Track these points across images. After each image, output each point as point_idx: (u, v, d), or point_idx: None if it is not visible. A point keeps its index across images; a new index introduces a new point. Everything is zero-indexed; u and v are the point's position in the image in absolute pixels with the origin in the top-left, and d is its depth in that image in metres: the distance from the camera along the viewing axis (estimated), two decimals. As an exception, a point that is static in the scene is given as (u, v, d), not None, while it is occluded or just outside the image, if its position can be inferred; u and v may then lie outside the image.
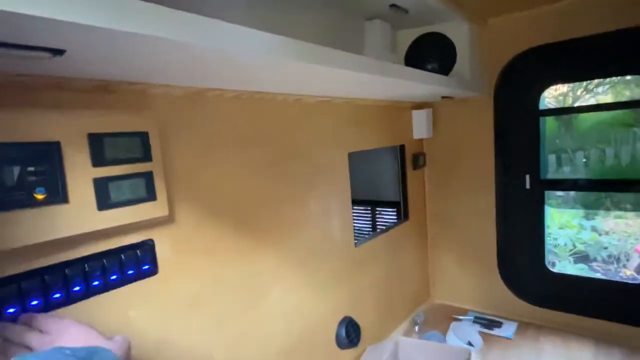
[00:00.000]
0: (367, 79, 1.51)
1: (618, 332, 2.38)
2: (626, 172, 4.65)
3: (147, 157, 1.18)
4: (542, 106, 2.61)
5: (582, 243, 6.07)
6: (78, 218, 1.02)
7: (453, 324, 2.66)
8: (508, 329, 2.65)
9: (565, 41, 2.36)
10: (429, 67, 2.50)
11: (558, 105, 5.03)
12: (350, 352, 2.23)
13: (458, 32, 2.39)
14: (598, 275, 5.45)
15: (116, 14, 0.65)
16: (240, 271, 1.59)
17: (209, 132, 1.45)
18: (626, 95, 4.45)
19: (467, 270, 2.97)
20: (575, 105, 5.09)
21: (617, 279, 5.17)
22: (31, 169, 0.94)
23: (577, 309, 2.55)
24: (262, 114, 1.67)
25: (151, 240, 1.26)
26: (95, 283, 1.11)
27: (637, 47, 2.19)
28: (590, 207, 6.14)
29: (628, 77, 3.57)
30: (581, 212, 6.33)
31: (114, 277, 1.15)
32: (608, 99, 4.84)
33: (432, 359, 2.16)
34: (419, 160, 2.94)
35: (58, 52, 0.82)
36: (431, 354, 2.17)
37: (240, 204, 1.58)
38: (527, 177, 2.65)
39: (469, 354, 2.08)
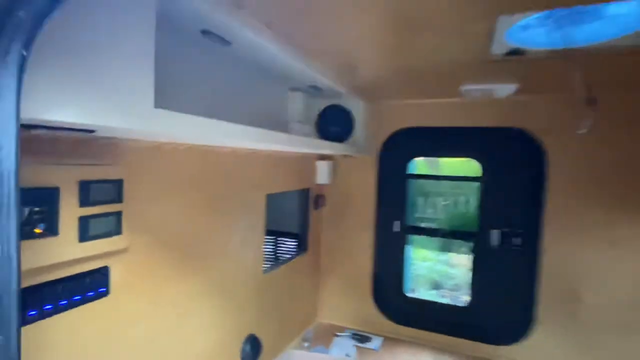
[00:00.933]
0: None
1: (454, 343, 3.26)
2: (470, 219, 6.10)
3: (119, 199, 1.47)
4: (410, 171, 3.49)
5: (436, 274, 7.46)
6: (63, 248, 1.28)
7: (335, 340, 3.25)
8: (376, 343, 3.34)
9: (425, 127, 3.29)
10: (333, 129, 3.17)
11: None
12: (251, 365, 2.60)
13: (357, 107, 3.14)
14: (443, 300, 6.76)
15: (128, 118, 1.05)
16: (175, 293, 1.89)
17: (163, 177, 1.77)
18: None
19: (348, 295, 3.63)
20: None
21: (457, 303, 6.54)
22: (37, 209, 1.19)
23: (426, 326, 3.39)
24: (204, 163, 2.04)
25: (107, 267, 1.52)
26: (63, 302, 1.34)
27: (469, 139, 3.20)
28: (443, 249, 7.64)
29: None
30: (439, 248, 7.85)
31: (77, 297, 1.39)
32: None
33: (318, 367, 2.67)
34: (319, 202, 3.55)
35: (90, 131, 1.14)
36: (317, 363, 2.68)
37: (181, 237, 1.90)
38: (397, 222, 3.47)
39: (346, 361, 2.65)
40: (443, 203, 7.68)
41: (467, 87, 2.60)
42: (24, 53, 0.63)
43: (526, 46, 1.89)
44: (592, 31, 1.78)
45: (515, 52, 1.93)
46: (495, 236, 3.12)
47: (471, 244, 3.33)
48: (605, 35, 1.78)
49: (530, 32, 1.80)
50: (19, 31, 0.61)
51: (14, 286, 0.66)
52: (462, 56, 1.95)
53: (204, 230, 2.08)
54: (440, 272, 7.54)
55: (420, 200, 7.47)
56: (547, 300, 2.94)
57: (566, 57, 1.89)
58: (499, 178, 3.11)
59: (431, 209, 7.65)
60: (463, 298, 6.75)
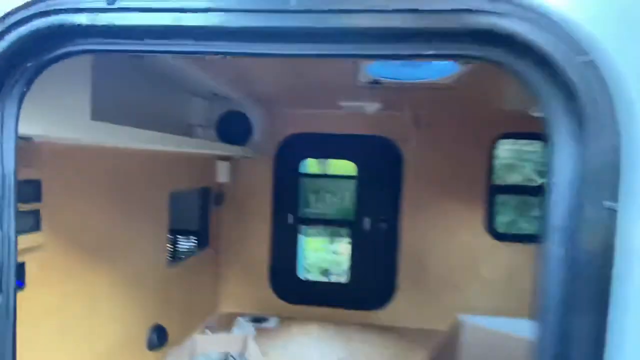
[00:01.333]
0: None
1: (337, 314, 3.89)
2: (349, 210, 7.01)
3: (38, 198, 1.60)
4: (302, 170, 4.03)
5: (326, 262, 8.27)
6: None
7: (235, 323, 3.58)
8: (273, 322, 3.79)
9: (314, 133, 3.86)
10: (233, 132, 3.50)
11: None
12: (158, 353, 2.78)
13: (255, 113, 3.52)
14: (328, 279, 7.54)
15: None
16: (86, 286, 2.01)
17: (78, 178, 1.90)
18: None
19: (247, 284, 3.99)
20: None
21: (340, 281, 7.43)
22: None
23: (315, 302, 3.97)
24: (114, 164, 2.19)
25: (23, 263, 1.63)
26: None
27: (347, 144, 3.88)
28: (332, 235, 8.49)
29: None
30: (327, 238, 8.72)
31: (-4, 290, 1.49)
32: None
33: (223, 347, 2.98)
34: (220, 199, 3.82)
35: (28, 138, 1.32)
36: (222, 343, 2.99)
37: (93, 234, 2.03)
38: (290, 215, 3.97)
39: (246, 338, 3.03)
40: (331, 199, 8.53)
41: (344, 103, 3.23)
42: (25, 89, 0.87)
43: (382, 78, 2.56)
44: (423, 71, 2.52)
45: (375, 82, 2.58)
46: (367, 223, 3.88)
47: (349, 230, 4.05)
48: (431, 75, 2.54)
49: (385, 68, 2.46)
50: (24, 75, 0.85)
51: (13, 258, 0.90)
52: (337, 81, 2.52)
53: (113, 227, 2.22)
54: (329, 260, 8.36)
55: (312, 197, 8.24)
56: (404, 271, 3.80)
57: (406, 88, 2.61)
58: (369, 176, 3.87)
59: (321, 203, 8.43)
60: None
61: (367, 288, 3.91)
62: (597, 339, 0.71)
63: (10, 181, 0.88)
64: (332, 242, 8.68)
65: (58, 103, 1.21)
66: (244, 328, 3.49)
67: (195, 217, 3.72)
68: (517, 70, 0.73)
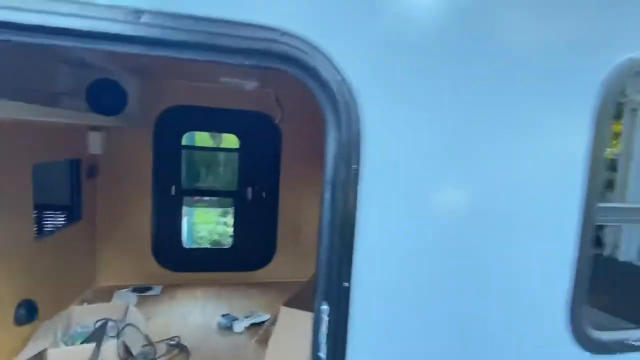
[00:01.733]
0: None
1: (222, 277, 4.17)
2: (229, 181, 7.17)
3: None
4: (188, 143, 4.11)
5: (217, 234, 8.41)
6: None
7: (115, 294, 3.62)
8: (157, 290, 3.91)
9: (195, 106, 3.96)
10: (106, 102, 3.39)
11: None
12: (28, 327, 2.71)
13: (130, 83, 3.46)
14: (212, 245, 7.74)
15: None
16: None
17: None
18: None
19: (128, 256, 3.99)
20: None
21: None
22: None
23: (200, 268, 4.19)
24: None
25: None
26: None
27: (230, 118, 4.09)
28: (224, 208, 8.58)
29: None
30: (220, 211, 8.82)
31: None
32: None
33: (101, 316, 3.03)
34: (93, 171, 3.68)
35: None
36: (101, 312, 3.03)
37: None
38: (173, 187, 4.05)
39: (127, 305, 3.14)
40: (223, 171, 8.59)
41: (223, 79, 3.42)
42: None
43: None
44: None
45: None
46: (249, 192, 4.21)
47: (233, 200, 4.34)
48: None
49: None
50: None
51: None
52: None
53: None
54: (220, 232, 8.51)
55: (203, 170, 8.19)
56: (282, 234, 4.27)
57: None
58: (251, 149, 4.17)
59: (212, 177, 8.44)
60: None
61: (249, 251, 4.29)
62: (348, 245, 1.18)
63: None
64: (224, 215, 8.82)
65: None
66: (124, 298, 3.55)
67: (66, 190, 3.54)
68: (304, 82, 1.12)
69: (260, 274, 4.28)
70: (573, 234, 1.35)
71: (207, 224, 8.64)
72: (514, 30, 1.26)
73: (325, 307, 1.22)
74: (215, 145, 7.11)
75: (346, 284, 1.21)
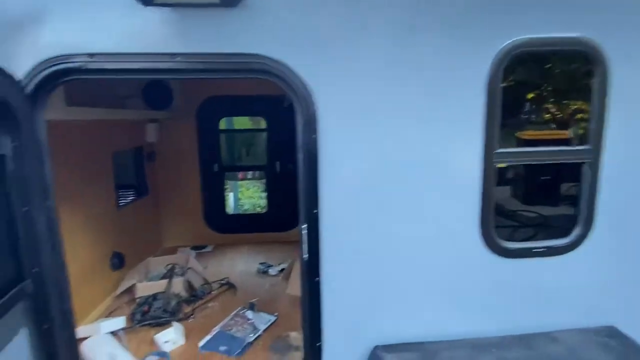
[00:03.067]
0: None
1: (259, 237, 5.03)
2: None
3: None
4: (222, 127, 4.93)
5: (259, 207, 9.38)
6: None
7: (178, 251, 4.60)
8: (209, 248, 4.86)
9: (227, 95, 4.71)
10: (157, 99, 4.24)
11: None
12: (119, 272, 3.72)
13: (175, 83, 4.28)
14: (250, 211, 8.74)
15: None
16: (67, 222, 2.86)
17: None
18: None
19: (185, 221, 4.95)
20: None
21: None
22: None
23: (241, 230, 5.08)
24: (71, 131, 2.94)
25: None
26: None
27: (257, 103, 4.82)
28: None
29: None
30: (261, 187, 9.81)
31: None
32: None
33: (167, 264, 3.98)
34: (152, 156, 4.62)
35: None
36: (170, 261, 3.99)
37: (61, 186, 2.84)
38: (215, 165, 4.91)
39: (188, 255, 4.07)
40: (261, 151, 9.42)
41: (246, 72, 4.12)
42: (47, 98, 1.74)
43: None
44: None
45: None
46: (277, 166, 4.97)
47: (264, 173, 5.15)
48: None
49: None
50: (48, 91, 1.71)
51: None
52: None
53: (73, 180, 3.02)
54: (260, 204, 9.48)
55: (244, 151, 9.14)
56: (308, 199, 5.00)
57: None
58: (277, 129, 4.89)
59: (252, 157, 9.34)
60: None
61: (281, 215, 5.09)
62: (314, 185, 1.88)
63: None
64: (265, 191, 9.79)
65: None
66: (185, 253, 4.51)
67: (133, 172, 4.51)
68: (278, 83, 1.78)
69: (291, 235, 5.07)
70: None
71: (249, 199, 9.69)
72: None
73: (304, 226, 1.93)
74: (253, 127, 8.00)
75: (315, 211, 1.90)
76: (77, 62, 1.64)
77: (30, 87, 1.64)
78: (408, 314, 2.07)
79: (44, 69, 1.63)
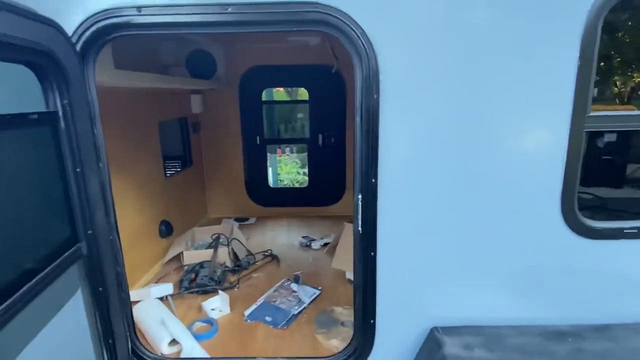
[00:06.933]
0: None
1: (301, 211, 4.98)
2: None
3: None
4: (263, 98, 4.82)
5: (297, 182, 9.37)
6: None
7: (223, 222, 4.64)
8: (252, 220, 4.87)
9: (269, 65, 4.57)
10: (201, 69, 4.19)
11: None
12: (167, 240, 3.80)
13: (218, 52, 4.19)
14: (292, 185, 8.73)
15: None
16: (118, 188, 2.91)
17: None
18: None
19: (228, 192, 4.98)
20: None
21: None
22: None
23: (283, 203, 5.04)
24: (119, 99, 2.94)
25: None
26: None
27: (299, 73, 4.64)
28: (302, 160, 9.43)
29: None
30: (299, 163, 9.77)
31: None
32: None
33: (212, 233, 4.02)
34: (196, 127, 4.62)
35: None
36: (215, 231, 4.02)
37: (114, 152, 2.87)
38: (258, 137, 4.85)
39: (232, 226, 4.08)
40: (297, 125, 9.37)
41: (290, 38, 3.94)
42: (96, 56, 1.67)
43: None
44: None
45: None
46: (320, 139, 4.82)
47: (306, 146, 5.02)
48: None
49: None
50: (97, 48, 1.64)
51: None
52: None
53: (123, 147, 3.05)
54: (299, 180, 9.48)
55: (282, 126, 9.08)
56: (350, 174, 4.83)
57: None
58: (320, 100, 4.71)
59: (291, 130, 9.28)
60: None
61: (323, 189, 4.98)
62: (374, 152, 1.70)
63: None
64: (303, 167, 9.75)
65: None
66: (229, 224, 4.54)
67: (178, 143, 4.54)
68: (338, 37, 1.60)
69: (334, 209, 4.97)
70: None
71: (288, 174, 9.70)
72: None
73: (359, 196, 1.78)
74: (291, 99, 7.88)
75: (373, 180, 1.74)
76: (125, 15, 1.55)
77: (79, 44, 1.58)
78: (469, 295, 1.90)
79: (93, 24, 1.55)
